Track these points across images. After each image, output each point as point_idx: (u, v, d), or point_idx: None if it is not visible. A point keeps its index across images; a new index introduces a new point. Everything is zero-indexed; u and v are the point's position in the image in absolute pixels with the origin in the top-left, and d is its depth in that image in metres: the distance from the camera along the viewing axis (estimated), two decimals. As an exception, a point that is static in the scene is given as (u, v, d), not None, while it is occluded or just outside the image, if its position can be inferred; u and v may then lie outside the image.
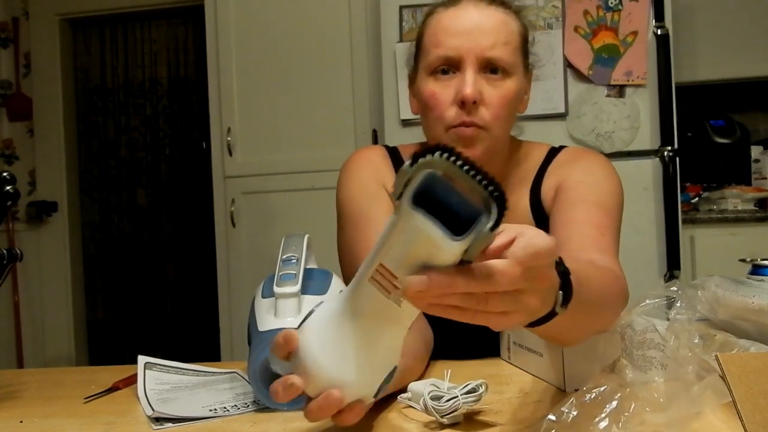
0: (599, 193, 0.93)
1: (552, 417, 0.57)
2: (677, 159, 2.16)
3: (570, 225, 0.90)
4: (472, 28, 0.90)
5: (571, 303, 0.55)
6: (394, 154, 1.06)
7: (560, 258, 0.59)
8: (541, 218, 0.98)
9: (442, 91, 0.92)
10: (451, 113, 0.91)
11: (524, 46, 0.96)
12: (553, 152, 1.03)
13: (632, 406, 0.58)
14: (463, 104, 0.89)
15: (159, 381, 0.83)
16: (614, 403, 0.58)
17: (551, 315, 0.55)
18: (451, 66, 0.92)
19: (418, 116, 1.00)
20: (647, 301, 0.73)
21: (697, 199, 2.47)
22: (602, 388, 0.60)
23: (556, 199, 0.96)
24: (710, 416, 0.63)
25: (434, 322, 0.92)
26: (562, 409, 0.58)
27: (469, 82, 0.89)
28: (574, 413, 0.57)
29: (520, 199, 1.00)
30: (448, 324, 0.98)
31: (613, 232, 0.90)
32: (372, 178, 1.01)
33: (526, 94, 1.00)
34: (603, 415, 0.57)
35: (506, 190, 1.03)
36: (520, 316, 0.49)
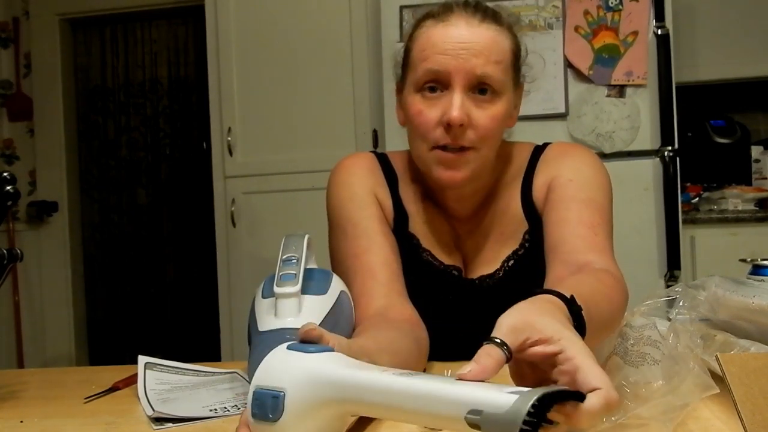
0: (589, 190, 0.93)
1: None
2: (677, 159, 2.16)
3: (563, 225, 0.90)
4: (462, 47, 0.87)
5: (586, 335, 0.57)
6: (384, 161, 1.05)
7: (572, 296, 0.61)
8: (534, 218, 0.98)
9: (428, 110, 0.90)
10: (437, 134, 0.89)
11: (516, 63, 0.94)
12: (538, 150, 1.02)
13: None
14: (450, 126, 0.88)
15: (159, 381, 0.83)
16: None
17: None
18: (438, 84, 0.89)
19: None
20: (649, 301, 0.73)
21: (697, 199, 2.47)
22: None
23: (547, 198, 0.96)
24: (709, 416, 0.63)
25: (434, 322, 0.92)
26: None
27: (456, 105, 0.87)
28: None
29: (511, 201, 1.00)
30: (447, 325, 0.98)
31: (606, 230, 0.91)
32: (361, 186, 1.00)
33: (516, 109, 0.98)
34: None
35: (499, 197, 1.02)
36: None
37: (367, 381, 0.50)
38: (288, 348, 0.55)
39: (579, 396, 0.46)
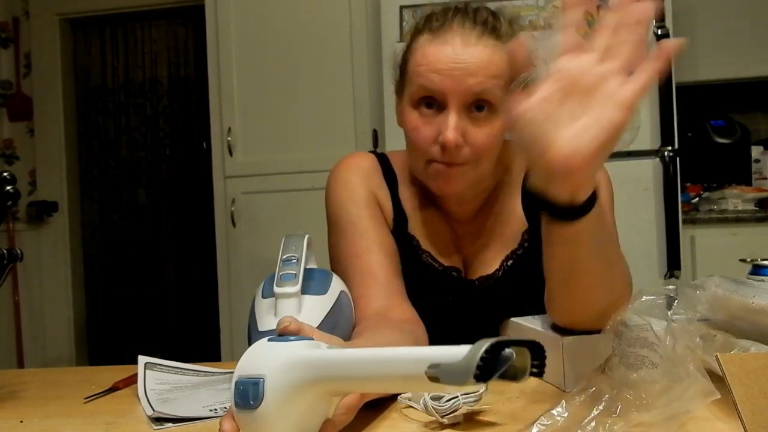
0: None
1: (543, 420, 0.57)
2: (677, 159, 2.16)
3: None
4: (458, 67, 0.86)
5: (594, 211, 0.64)
6: (384, 161, 1.05)
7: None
8: (534, 219, 0.98)
9: (424, 127, 0.89)
10: (433, 152, 0.89)
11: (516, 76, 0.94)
12: None
13: (619, 407, 0.58)
14: (445, 147, 0.87)
15: (159, 381, 0.83)
16: (602, 405, 0.58)
17: (584, 209, 0.63)
18: (434, 101, 0.88)
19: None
20: (644, 298, 0.73)
21: (697, 199, 2.47)
22: (591, 389, 0.60)
23: None
24: (709, 416, 0.63)
25: (433, 323, 0.92)
26: (553, 411, 0.58)
27: (451, 126, 0.85)
28: (565, 416, 0.58)
29: (512, 202, 1.00)
30: (447, 325, 0.98)
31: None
32: (359, 185, 1.00)
33: None
34: (590, 417, 0.57)
35: (500, 198, 1.03)
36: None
37: (337, 357, 0.53)
38: (268, 340, 0.57)
39: (534, 345, 0.46)
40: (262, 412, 0.52)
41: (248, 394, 0.53)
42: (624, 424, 0.57)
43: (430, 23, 0.91)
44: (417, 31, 0.93)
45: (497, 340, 0.43)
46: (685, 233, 2.21)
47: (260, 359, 0.55)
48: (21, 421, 0.74)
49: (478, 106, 0.87)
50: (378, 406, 0.71)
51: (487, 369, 0.42)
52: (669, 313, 0.70)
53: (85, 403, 0.82)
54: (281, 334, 0.59)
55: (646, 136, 2.17)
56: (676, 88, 2.17)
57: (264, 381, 0.53)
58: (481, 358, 0.42)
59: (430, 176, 0.92)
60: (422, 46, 0.90)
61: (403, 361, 0.48)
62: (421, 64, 0.89)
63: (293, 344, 0.55)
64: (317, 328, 0.76)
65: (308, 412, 0.54)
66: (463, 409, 0.64)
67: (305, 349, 0.54)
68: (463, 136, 0.87)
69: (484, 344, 0.43)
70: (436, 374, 0.44)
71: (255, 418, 0.53)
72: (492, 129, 0.89)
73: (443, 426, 0.64)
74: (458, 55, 0.86)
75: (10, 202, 0.83)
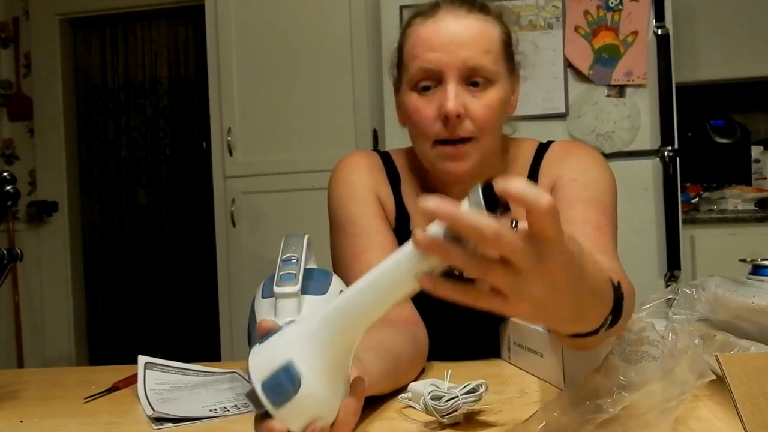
0: (594, 190, 0.93)
1: (538, 414, 0.57)
2: (677, 159, 2.16)
3: (567, 225, 0.89)
4: (451, 40, 0.89)
5: (604, 331, 0.58)
6: (386, 159, 1.05)
7: (618, 282, 0.61)
8: None
9: (425, 106, 0.91)
10: (436, 128, 0.90)
11: (507, 50, 0.95)
12: (542, 148, 1.02)
13: (614, 393, 0.58)
14: (447, 119, 0.88)
15: (159, 381, 0.83)
16: (599, 392, 0.58)
17: (593, 332, 0.57)
18: (432, 80, 0.90)
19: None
20: (652, 304, 0.73)
21: (697, 199, 2.47)
22: (589, 385, 0.60)
23: None
24: (709, 416, 0.63)
25: (434, 322, 0.92)
26: (549, 404, 0.58)
27: (451, 96, 0.88)
28: (563, 400, 0.58)
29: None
30: (448, 325, 0.98)
31: (611, 230, 0.90)
32: (361, 184, 1.00)
33: (514, 95, 0.98)
34: (588, 404, 0.57)
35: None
36: (523, 304, 0.48)
37: (340, 300, 0.53)
38: (260, 344, 0.55)
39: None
40: (307, 388, 0.50)
41: (284, 384, 0.50)
42: (617, 407, 0.56)
43: (421, 10, 0.95)
44: (409, 20, 0.96)
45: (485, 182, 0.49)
46: (685, 233, 2.21)
47: (271, 353, 0.52)
48: (21, 421, 0.74)
49: (474, 82, 0.90)
50: (378, 406, 0.71)
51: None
52: (669, 313, 0.70)
53: (85, 403, 0.82)
54: (263, 335, 0.56)
55: (646, 136, 2.17)
56: (676, 88, 2.17)
57: (293, 360, 0.51)
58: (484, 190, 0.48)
59: (438, 159, 0.92)
60: (415, 30, 0.93)
61: (403, 259, 0.50)
62: (417, 45, 0.91)
63: (288, 328, 0.54)
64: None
65: (337, 373, 0.53)
66: (463, 409, 0.64)
67: (307, 320, 0.54)
68: (464, 108, 0.89)
69: (479, 186, 0.48)
70: (441, 232, 0.48)
71: (302, 399, 0.50)
72: (490, 100, 0.91)
73: (443, 426, 0.64)
74: (450, 28, 0.90)
75: (10, 202, 0.83)
